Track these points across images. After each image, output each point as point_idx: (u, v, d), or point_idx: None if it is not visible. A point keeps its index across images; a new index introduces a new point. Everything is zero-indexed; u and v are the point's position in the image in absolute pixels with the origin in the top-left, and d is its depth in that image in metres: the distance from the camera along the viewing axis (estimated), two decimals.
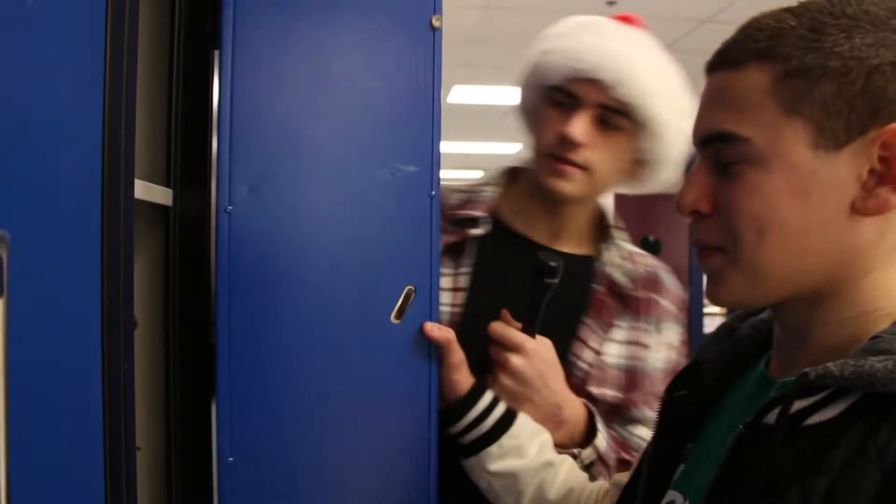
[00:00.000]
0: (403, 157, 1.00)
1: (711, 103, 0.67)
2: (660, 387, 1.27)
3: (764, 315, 0.78)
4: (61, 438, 0.59)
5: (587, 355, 1.22)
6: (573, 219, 1.27)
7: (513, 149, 8.24)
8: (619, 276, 1.25)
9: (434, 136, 1.01)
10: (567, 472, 1.03)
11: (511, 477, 1.02)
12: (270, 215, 0.97)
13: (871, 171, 0.61)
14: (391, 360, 1.00)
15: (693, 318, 8.22)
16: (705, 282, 0.70)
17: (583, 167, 1.16)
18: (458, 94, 5.99)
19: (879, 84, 0.59)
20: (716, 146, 0.66)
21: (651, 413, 1.26)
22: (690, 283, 8.21)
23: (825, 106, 0.61)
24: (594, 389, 1.22)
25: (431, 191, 1.01)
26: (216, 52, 0.96)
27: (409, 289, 1.01)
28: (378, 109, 1.00)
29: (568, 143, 1.14)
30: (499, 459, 1.02)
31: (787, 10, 0.64)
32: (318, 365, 0.98)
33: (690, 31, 4.33)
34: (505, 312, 1.13)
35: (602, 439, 1.14)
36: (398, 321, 1.00)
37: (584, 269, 1.26)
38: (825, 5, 0.62)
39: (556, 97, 1.16)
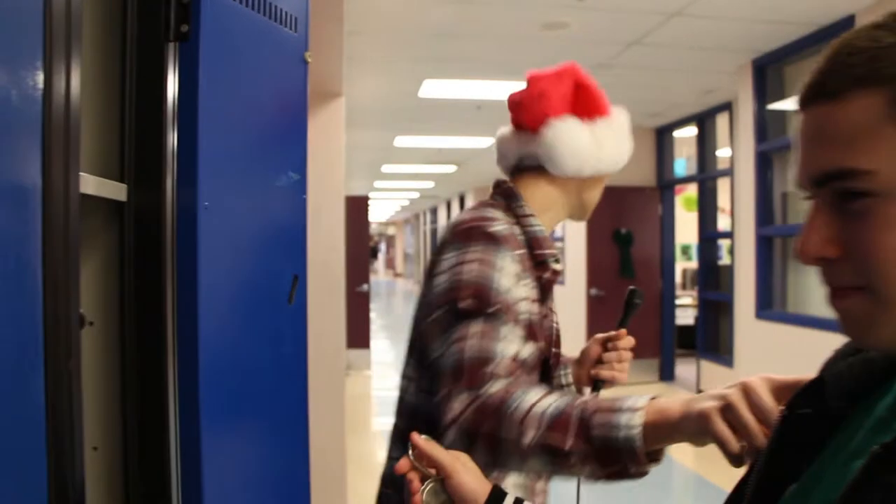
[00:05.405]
0: (289, 166, 1.15)
1: (818, 140, 0.62)
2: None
3: None
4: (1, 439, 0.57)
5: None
6: None
7: (484, 143, 8.22)
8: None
9: (304, 149, 1.16)
10: None
11: None
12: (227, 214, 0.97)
13: None
14: (289, 339, 1.17)
15: (665, 309, 8.31)
16: (842, 323, 0.64)
17: None
18: (428, 89, 5.97)
19: None
20: (833, 185, 0.61)
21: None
22: (662, 275, 8.30)
23: None
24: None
25: (303, 194, 1.17)
26: (170, 45, 0.96)
27: (294, 276, 1.14)
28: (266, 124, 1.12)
29: None
30: None
31: (878, 27, 0.60)
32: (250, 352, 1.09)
33: (660, 25, 4.34)
34: None
35: None
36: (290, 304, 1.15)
37: None
38: None
39: None
